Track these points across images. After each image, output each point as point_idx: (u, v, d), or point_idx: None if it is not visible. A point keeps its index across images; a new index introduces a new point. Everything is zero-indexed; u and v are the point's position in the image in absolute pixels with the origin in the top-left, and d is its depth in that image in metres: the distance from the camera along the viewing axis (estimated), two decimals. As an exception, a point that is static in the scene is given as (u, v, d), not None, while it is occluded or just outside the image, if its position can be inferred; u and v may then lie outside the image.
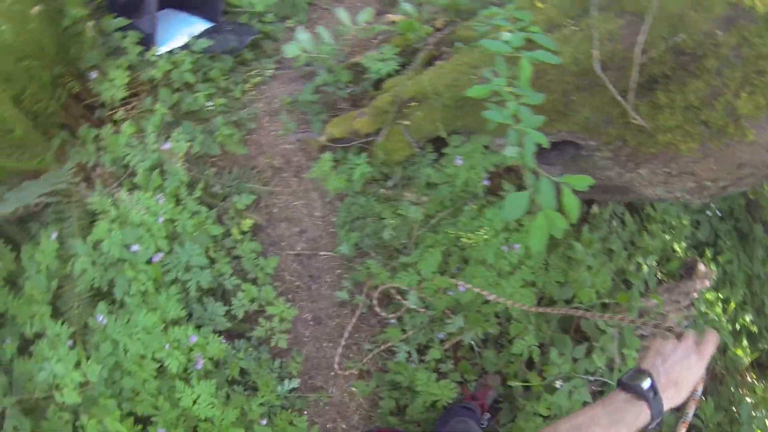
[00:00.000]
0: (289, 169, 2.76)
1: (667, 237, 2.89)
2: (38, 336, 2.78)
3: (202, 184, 2.53)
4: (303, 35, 2.49)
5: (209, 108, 2.78)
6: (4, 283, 2.88)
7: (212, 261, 2.55)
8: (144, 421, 2.51)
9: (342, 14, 2.56)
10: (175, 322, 2.49)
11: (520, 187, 2.62)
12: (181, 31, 3.03)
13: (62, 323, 2.51)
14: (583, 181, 1.79)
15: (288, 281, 2.68)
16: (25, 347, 2.82)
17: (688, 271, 3.00)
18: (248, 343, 2.61)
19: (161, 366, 2.52)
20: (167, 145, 2.47)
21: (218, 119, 2.73)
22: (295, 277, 2.69)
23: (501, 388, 2.62)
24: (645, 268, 2.81)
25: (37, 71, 2.60)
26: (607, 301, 2.69)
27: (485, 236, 2.46)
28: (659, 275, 2.96)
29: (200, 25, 3.12)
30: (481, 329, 2.54)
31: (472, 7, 2.63)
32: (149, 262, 2.51)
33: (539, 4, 2.45)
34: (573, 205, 1.81)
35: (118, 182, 2.70)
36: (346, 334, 2.58)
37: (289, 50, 2.53)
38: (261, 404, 2.52)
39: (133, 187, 2.60)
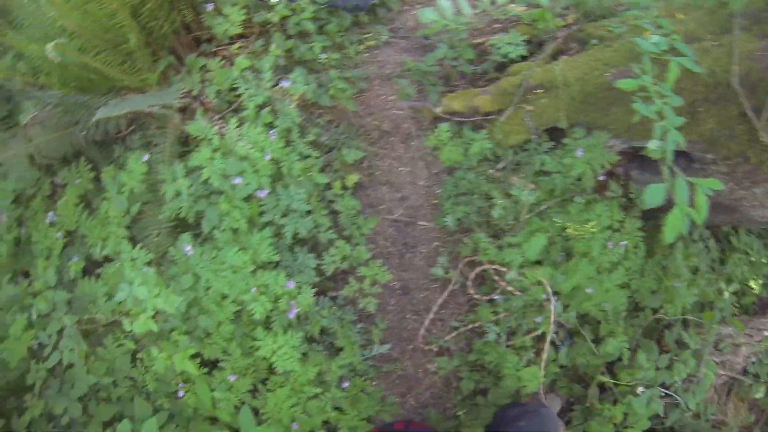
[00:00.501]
0: (398, 134, 2.66)
1: (746, 269, 2.82)
2: (107, 259, 2.59)
3: (314, 129, 2.35)
4: (445, 2, 2.38)
5: (322, 60, 2.68)
6: (79, 201, 2.70)
7: (309, 211, 2.35)
8: (209, 364, 2.28)
9: (444, 1, 2.48)
10: (265, 266, 2.27)
11: (626, 190, 2.55)
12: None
13: (141, 248, 2.26)
14: (714, 185, 1.90)
15: (381, 246, 2.56)
16: (90, 269, 2.58)
17: (762, 308, 2.95)
18: (333, 302, 2.41)
19: (240, 310, 2.29)
20: (285, 83, 2.32)
21: (331, 72, 2.60)
22: (389, 242, 2.56)
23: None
24: (726, 294, 2.73)
25: None
26: (689, 317, 2.59)
27: (592, 230, 2.35)
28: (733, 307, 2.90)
29: None
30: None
31: (601, 9, 2.68)
32: (247, 198, 2.30)
33: (680, 15, 2.42)
34: (703, 205, 1.91)
35: (221, 115, 2.51)
36: (435, 308, 2.40)
37: (426, 15, 2.46)
38: (341, 366, 2.31)
39: (239, 122, 2.48)
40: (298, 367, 2.27)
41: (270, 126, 2.43)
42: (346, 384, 2.38)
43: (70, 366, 2.42)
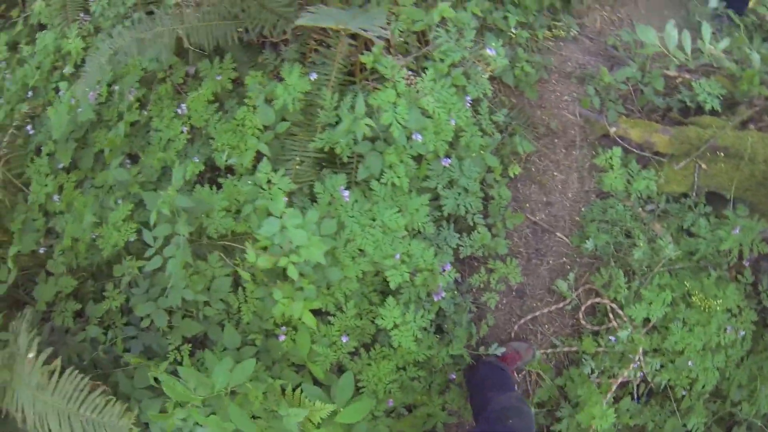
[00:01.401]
0: (563, 138, 2.51)
1: None
2: (230, 169, 2.28)
3: (503, 109, 2.08)
4: (673, 31, 2.11)
5: (512, 33, 2.34)
6: (213, 98, 2.50)
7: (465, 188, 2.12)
8: (317, 314, 2.05)
9: (672, 29, 2.25)
10: (416, 235, 2.03)
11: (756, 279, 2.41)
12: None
13: (283, 175, 1.98)
14: None
15: (514, 244, 2.42)
16: (207, 174, 2.45)
17: None
18: (456, 287, 2.19)
19: (374, 272, 2.06)
20: (491, 51, 2.01)
21: (519, 51, 2.32)
22: (522, 242, 2.46)
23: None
24: None
25: None
26: (761, 423, 2.53)
27: (717, 307, 2.21)
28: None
29: None
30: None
31: None
32: (417, 158, 2.03)
33: None
34: None
35: (404, 57, 2.19)
36: (538, 313, 2.45)
37: (648, 36, 2.24)
38: (452, 356, 2.12)
39: (419, 70, 2.29)
40: (414, 347, 2.06)
41: (457, 89, 2.13)
42: (453, 376, 2.20)
43: (157, 270, 2.20)
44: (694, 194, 2.49)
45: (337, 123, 2.25)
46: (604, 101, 2.58)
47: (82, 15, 2.96)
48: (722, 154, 2.40)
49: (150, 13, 2.82)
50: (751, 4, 3.09)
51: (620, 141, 2.51)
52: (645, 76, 2.57)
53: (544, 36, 2.69)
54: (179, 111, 2.46)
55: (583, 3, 2.86)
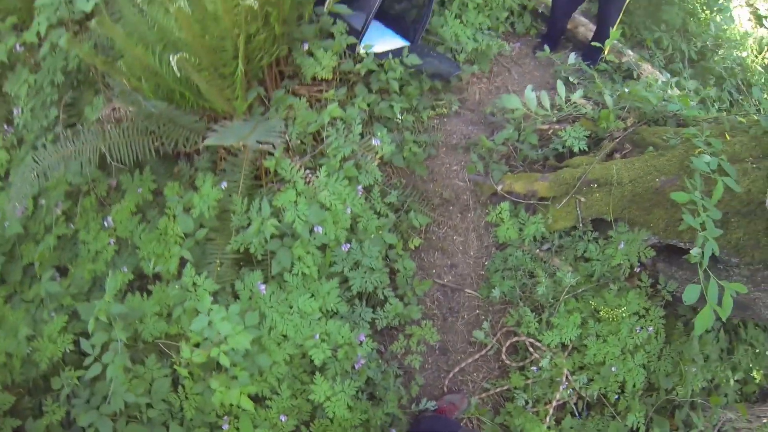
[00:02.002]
0: (457, 204, 2.97)
1: (751, 360, 3.26)
2: (157, 277, 2.65)
3: (393, 191, 2.57)
4: (531, 94, 2.68)
5: (398, 120, 2.88)
6: (136, 210, 2.91)
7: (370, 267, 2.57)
8: (255, 401, 2.40)
9: (530, 93, 2.94)
10: (330, 315, 2.44)
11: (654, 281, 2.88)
12: (381, 40, 3.33)
13: (206, 277, 2.38)
14: (739, 288, 2.40)
15: (427, 307, 2.82)
16: (136, 283, 2.80)
17: (763, 396, 3.40)
18: (379, 356, 2.60)
19: (299, 354, 2.45)
20: (376, 142, 2.51)
21: (406, 134, 2.84)
22: (435, 305, 2.84)
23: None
24: (731, 382, 3.13)
25: (272, 19, 2.61)
26: (698, 400, 2.98)
27: (623, 314, 2.76)
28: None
29: (399, 41, 3.26)
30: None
31: (656, 115, 3.13)
32: (321, 247, 2.47)
33: (728, 137, 2.76)
34: (729, 304, 2.40)
35: (300, 158, 2.67)
36: (464, 364, 2.84)
37: (512, 102, 2.78)
38: (387, 414, 2.51)
39: (315, 167, 2.75)
40: (348, 414, 2.42)
41: (350, 180, 2.60)
42: (393, 430, 2.56)
43: (96, 379, 2.47)
44: (580, 225, 2.95)
45: (248, 225, 2.67)
46: (489, 164, 3.08)
47: (5, 127, 3.29)
48: (595, 185, 2.88)
49: (72, 125, 3.21)
50: (605, 53, 3.79)
51: (507, 196, 3.00)
52: (521, 134, 3.11)
53: (429, 116, 3.20)
54: (106, 224, 2.81)
55: (461, 80, 3.45)
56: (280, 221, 2.51)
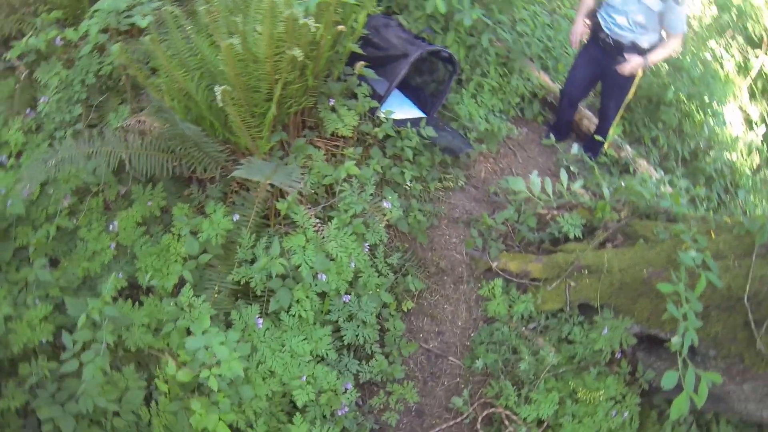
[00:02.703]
0: (451, 275, 3.31)
1: None
2: (149, 290, 3.01)
3: (396, 253, 2.92)
4: (536, 179, 3.13)
5: (407, 186, 3.26)
6: (142, 222, 3.13)
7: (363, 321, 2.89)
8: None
9: (536, 178, 3.43)
10: (320, 361, 2.72)
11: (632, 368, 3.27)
12: (400, 108, 3.79)
13: (203, 301, 2.65)
14: (715, 378, 2.71)
15: (410, 369, 3.08)
16: (128, 291, 3.01)
17: None
18: (358, 408, 2.85)
19: (281, 393, 2.71)
20: (387, 204, 2.89)
21: (413, 202, 3.22)
22: (417, 368, 3.11)
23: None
24: None
25: (308, 71, 3.09)
26: None
27: (600, 398, 3.10)
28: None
29: (416, 112, 3.71)
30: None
31: (649, 209, 3.55)
32: (321, 294, 2.77)
33: (713, 235, 3.25)
34: (704, 392, 2.70)
35: (312, 207, 3.02)
36: (435, 430, 3.03)
37: (517, 185, 3.22)
38: None
39: (325, 218, 3.06)
40: (320, 459, 2.65)
41: (358, 236, 2.96)
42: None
43: (67, 376, 2.58)
44: (568, 308, 3.28)
45: (252, 260, 2.95)
46: (487, 241, 3.44)
47: (28, 110, 3.56)
48: (586, 271, 3.25)
49: (92, 126, 3.50)
50: (606, 147, 4.37)
51: (501, 273, 3.34)
52: (520, 216, 3.50)
53: (436, 187, 3.59)
54: (110, 227, 3.03)
55: (470, 157, 3.90)
56: (286, 262, 2.82)
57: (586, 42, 4.03)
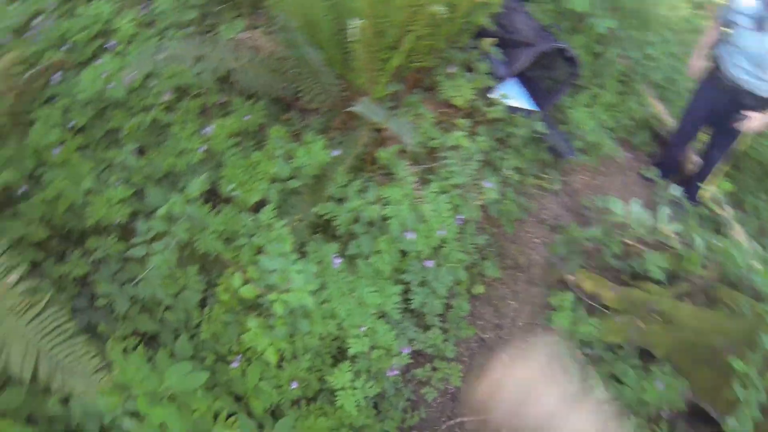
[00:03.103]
0: (525, 273, 3.24)
1: None
2: (227, 199, 2.98)
3: (484, 236, 2.87)
4: (638, 208, 3.04)
5: (506, 174, 3.19)
6: (235, 133, 3.13)
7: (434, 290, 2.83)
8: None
9: (637, 206, 3.30)
10: (384, 316, 2.69)
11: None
12: (514, 96, 3.70)
13: (284, 225, 2.64)
14: None
15: (461, 352, 3.02)
16: (206, 196, 2.98)
17: None
18: (401, 375, 2.83)
19: (334, 337, 2.68)
20: (487, 184, 2.83)
21: (509, 190, 3.15)
22: (467, 353, 3.05)
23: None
24: None
25: (441, 32, 3.09)
26: None
27: None
28: None
29: (528, 104, 3.65)
30: None
31: (737, 278, 3.36)
32: (403, 252, 2.73)
33: None
34: None
35: (416, 165, 2.97)
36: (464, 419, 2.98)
37: (616, 207, 3.10)
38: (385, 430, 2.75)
39: (423, 180, 2.98)
40: (355, 412, 2.63)
41: (454, 208, 2.91)
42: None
43: (132, 260, 2.65)
44: (628, 347, 3.14)
45: (341, 199, 2.92)
46: (569, 252, 3.34)
47: (143, 5, 3.61)
48: (658, 317, 3.13)
49: (203, 33, 3.52)
50: (702, 194, 4.15)
51: (574, 289, 3.25)
52: (607, 239, 3.36)
53: (532, 183, 3.51)
54: (204, 131, 3.03)
55: (570, 163, 3.82)
56: (379, 210, 2.78)
57: (704, 79, 3.82)
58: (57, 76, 3.23)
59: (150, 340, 2.72)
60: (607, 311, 3.25)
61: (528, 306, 3.28)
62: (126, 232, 2.81)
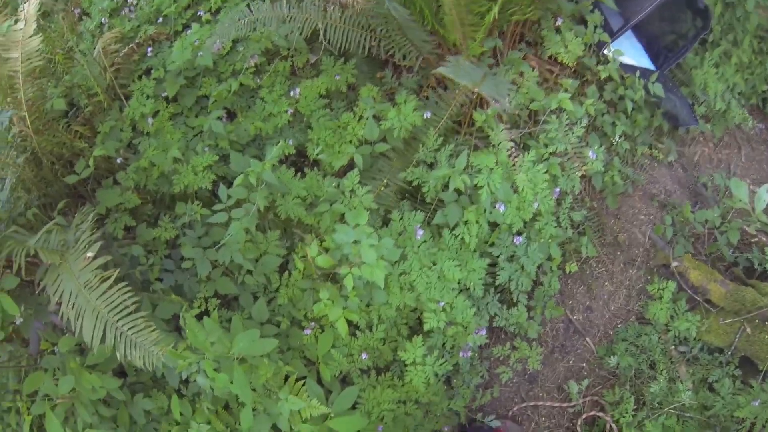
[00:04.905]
0: (625, 253, 2.81)
1: None
2: (315, 162, 2.73)
3: (583, 210, 2.42)
4: (765, 195, 2.50)
5: (613, 141, 2.68)
6: (324, 94, 2.85)
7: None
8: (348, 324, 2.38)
9: (765, 192, 2.62)
10: (465, 291, 2.37)
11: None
12: (629, 52, 3.10)
13: (367, 191, 2.34)
14: None
15: (544, 332, 2.74)
16: (292, 158, 2.82)
17: None
18: (479, 351, 2.52)
19: (412, 308, 2.39)
20: (592, 154, 2.34)
21: (616, 159, 2.64)
22: (551, 334, 2.76)
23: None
24: None
25: None
26: None
27: None
28: None
29: (646, 61, 3.11)
30: None
31: None
32: (493, 224, 2.37)
33: None
34: None
35: (511, 127, 2.55)
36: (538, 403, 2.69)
37: (739, 190, 2.55)
38: (450, 408, 2.48)
39: (521, 144, 2.59)
40: (423, 388, 2.38)
41: (552, 178, 2.47)
42: (446, 429, 2.51)
43: (214, 225, 2.54)
44: (729, 353, 2.68)
45: (431, 164, 2.57)
46: (677, 234, 2.83)
47: None
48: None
49: None
50: None
51: (678, 277, 2.74)
52: (724, 224, 2.81)
53: (643, 153, 2.95)
54: (292, 93, 2.78)
55: (689, 132, 3.17)
56: (468, 179, 2.41)
57: None
58: (151, 50, 3.09)
59: (231, 302, 2.61)
60: (712, 308, 2.71)
61: (624, 290, 2.82)
62: (213, 197, 2.69)
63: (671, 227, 2.83)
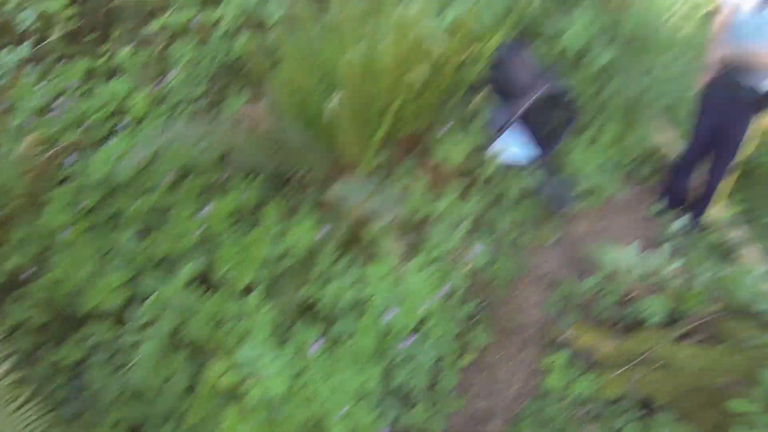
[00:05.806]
0: (519, 335, 2.96)
1: None
2: (222, 281, 2.73)
3: (474, 301, 2.53)
4: (633, 253, 2.76)
5: (499, 233, 2.83)
6: (234, 212, 2.92)
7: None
8: None
9: (629, 251, 2.91)
10: (365, 396, 2.41)
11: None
12: (516, 144, 3.30)
13: (271, 308, 2.40)
14: None
15: (451, 425, 2.80)
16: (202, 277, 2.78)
17: None
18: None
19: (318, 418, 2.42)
20: (477, 249, 2.48)
21: (503, 250, 2.82)
22: (459, 425, 2.79)
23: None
24: None
25: (427, 95, 2.71)
26: None
27: None
28: None
29: (532, 147, 3.34)
30: None
31: (745, 308, 2.84)
32: (386, 331, 2.45)
33: None
34: None
35: (404, 237, 2.66)
36: None
37: (606, 256, 2.65)
38: None
39: (414, 247, 2.68)
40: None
41: (441, 278, 2.58)
42: None
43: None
44: (628, 400, 2.78)
45: (328, 279, 2.65)
46: (566, 306, 2.98)
47: (156, 82, 3.43)
48: (658, 365, 2.74)
49: (214, 104, 3.35)
50: (708, 213, 3.53)
51: (570, 345, 2.87)
52: (605, 288, 2.98)
53: (528, 239, 3.14)
54: (203, 212, 2.85)
55: (571, 211, 3.36)
56: (360, 290, 2.50)
57: (708, 86, 3.15)
58: (72, 157, 3.10)
59: (139, 428, 2.56)
60: (604, 366, 2.85)
61: (524, 369, 2.92)
62: (124, 317, 2.66)
63: (561, 302, 2.98)
